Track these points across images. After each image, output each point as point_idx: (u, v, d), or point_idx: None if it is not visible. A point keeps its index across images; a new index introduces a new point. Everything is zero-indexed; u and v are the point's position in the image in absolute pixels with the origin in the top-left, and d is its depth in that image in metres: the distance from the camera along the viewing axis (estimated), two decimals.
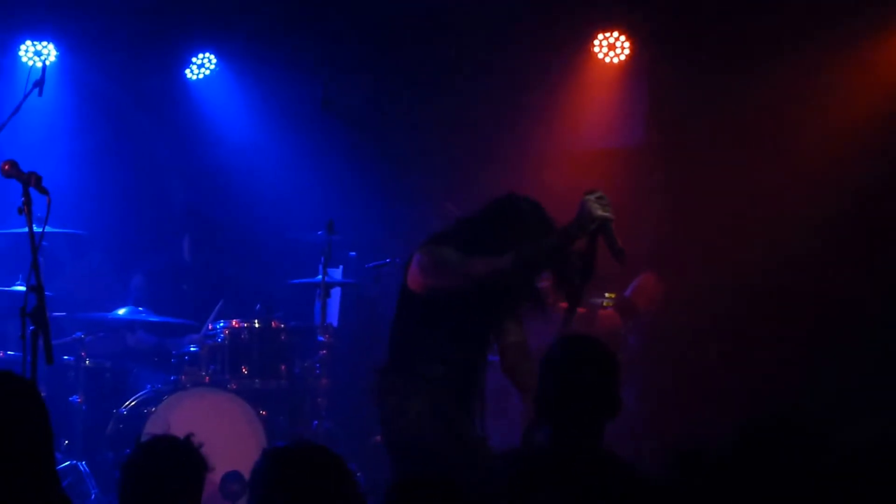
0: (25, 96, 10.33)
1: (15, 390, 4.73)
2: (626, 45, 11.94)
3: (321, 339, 10.77)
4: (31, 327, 7.52)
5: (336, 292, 11.45)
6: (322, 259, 10.74)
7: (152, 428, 9.29)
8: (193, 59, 12.74)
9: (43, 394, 9.07)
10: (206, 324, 11.16)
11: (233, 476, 9.42)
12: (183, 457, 5.34)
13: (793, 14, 10.83)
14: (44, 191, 7.90)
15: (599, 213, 7.04)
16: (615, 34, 11.92)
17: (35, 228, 7.80)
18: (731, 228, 10.91)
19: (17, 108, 10.25)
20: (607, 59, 11.98)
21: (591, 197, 7.10)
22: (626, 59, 11.98)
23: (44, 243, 8.23)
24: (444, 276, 7.38)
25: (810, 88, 10.88)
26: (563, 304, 10.15)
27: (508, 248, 7.22)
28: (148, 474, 5.29)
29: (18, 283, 10.00)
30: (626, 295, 11.11)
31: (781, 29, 10.90)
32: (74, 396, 10.55)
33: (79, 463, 10.19)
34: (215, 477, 5.73)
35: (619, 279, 10.90)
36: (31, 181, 7.86)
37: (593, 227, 7.06)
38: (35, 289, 7.57)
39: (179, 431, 5.67)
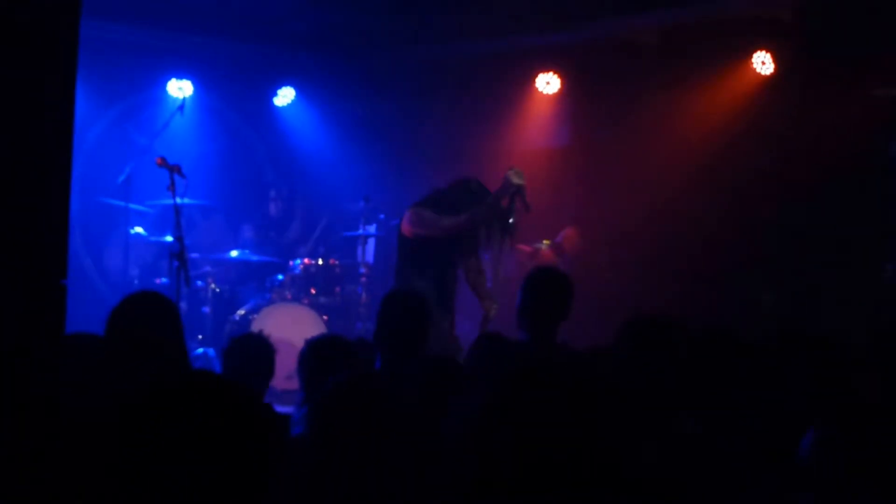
0: (172, 116, 10.47)
1: (161, 301, 4.62)
2: (558, 80, 11.49)
3: (362, 271, 10.80)
4: (176, 263, 8.09)
5: (371, 241, 11.24)
6: (361, 220, 10.78)
7: (254, 328, 9.22)
8: (279, 91, 12.62)
9: (184, 307, 9.65)
10: (312, 238, 11.26)
11: None
12: (261, 345, 5.43)
13: (665, 58, 10.46)
14: (183, 176, 8.53)
15: (516, 181, 7.43)
16: (551, 73, 11.49)
17: (178, 200, 8.35)
18: (626, 196, 10.59)
19: (166, 124, 10.41)
20: (544, 91, 11.54)
21: (511, 171, 7.50)
22: (558, 91, 11.53)
23: (183, 210, 8.59)
24: (424, 227, 7.69)
25: (680, 107, 10.44)
26: (520, 246, 10.48)
27: (462, 207, 7.59)
28: (239, 356, 5.36)
29: (168, 235, 9.86)
30: (557, 241, 10.95)
31: (658, 67, 10.49)
32: (205, 307, 10.65)
33: (207, 350, 10.24)
34: (290, 363, 5.57)
35: (552, 230, 10.85)
36: (175, 169, 8.42)
37: (513, 191, 7.44)
38: (179, 239, 8.19)
39: (271, 330, 6.02)
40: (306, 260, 10.76)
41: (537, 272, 6.05)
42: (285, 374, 7.53)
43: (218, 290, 10.86)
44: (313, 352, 5.08)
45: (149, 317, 4.45)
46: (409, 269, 7.78)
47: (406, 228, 7.81)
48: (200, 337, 10.51)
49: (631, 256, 10.49)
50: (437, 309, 7.43)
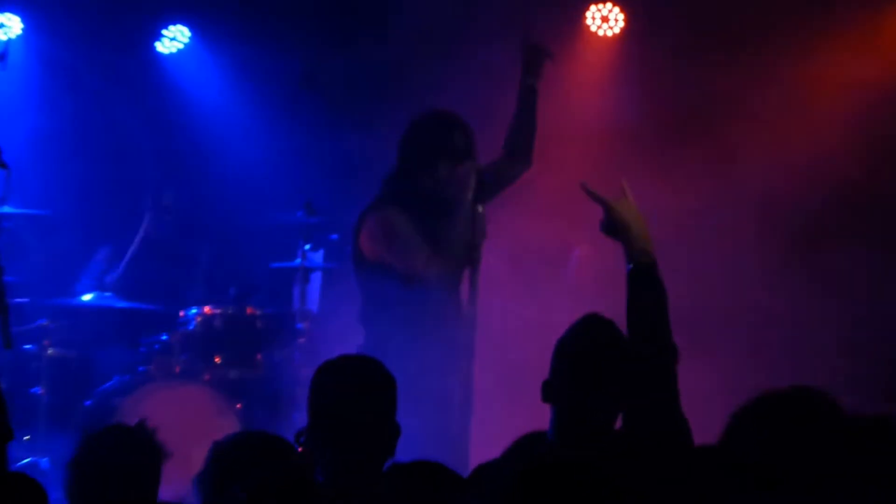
0: None
1: None
2: (620, 17, 10.97)
3: (300, 326, 10.19)
4: None
5: (316, 277, 10.72)
6: (300, 241, 10.12)
7: (120, 419, 8.36)
8: (164, 32, 11.49)
9: (3, 386, 8.99)
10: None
11: None
12: (134, 445, 4.99)
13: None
14: (2, 164, 7.37)
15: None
16: (608, 6, 10.95)
17: None
18: (710, 184, 10.35)
19: None
20: (600, 32, 11.02)
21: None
22: (619, 32, 11.06)
23: (4, 224, 8.69)
24: (387, 248, 7.51)
25: (796, 73, 10.67)
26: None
27: (431, 158, 7.51)
28: (94, 466, 4.91)
29: None
30: (570, 270, 11.01)
31: (772, 10, 10.57)
32: (36, 388, 10.06)
33: (39, 460, 9.75)
34: (189, 473, 5.38)
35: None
36: None
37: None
38: None
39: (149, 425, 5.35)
40: (207, 309, 10.17)
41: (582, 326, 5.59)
42: (171, 495, 6.41)
43: (60, 356, 10.29)
44: (219, 461, 4.79)
45: None
46: (381, 311, 7.58)
47: (365, 244, 7.57)
48: (27, 438, 9.89)
49: (712, 267, 10.45)
50: (438, 368, 7.32)
